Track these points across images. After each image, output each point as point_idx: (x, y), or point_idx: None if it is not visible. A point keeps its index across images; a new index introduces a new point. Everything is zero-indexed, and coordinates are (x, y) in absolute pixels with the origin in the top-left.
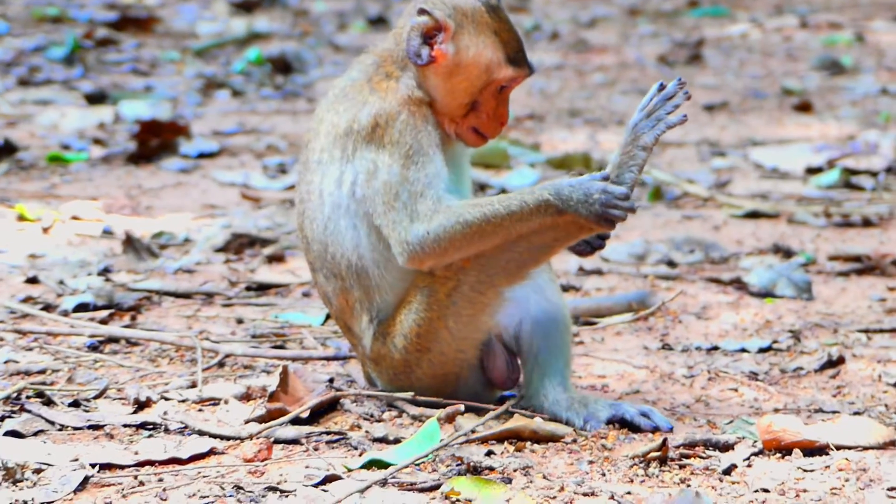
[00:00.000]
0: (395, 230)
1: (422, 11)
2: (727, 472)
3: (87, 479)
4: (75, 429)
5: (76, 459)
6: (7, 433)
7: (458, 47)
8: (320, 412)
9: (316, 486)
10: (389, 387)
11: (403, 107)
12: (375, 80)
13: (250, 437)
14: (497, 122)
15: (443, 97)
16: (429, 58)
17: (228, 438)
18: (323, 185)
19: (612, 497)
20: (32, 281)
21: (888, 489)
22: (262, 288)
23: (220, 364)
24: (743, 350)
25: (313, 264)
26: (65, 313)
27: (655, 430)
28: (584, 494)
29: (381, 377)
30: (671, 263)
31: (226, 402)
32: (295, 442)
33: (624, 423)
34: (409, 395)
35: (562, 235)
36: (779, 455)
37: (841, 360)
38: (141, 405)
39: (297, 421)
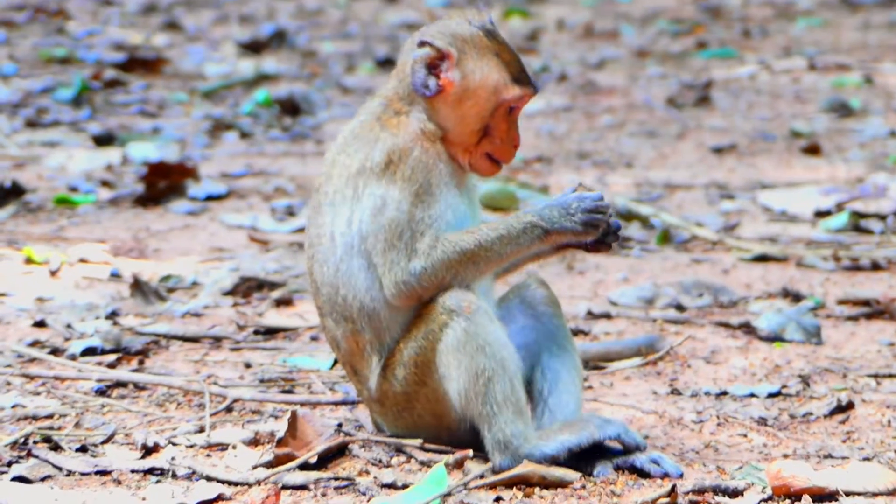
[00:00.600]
0: (392, 270)
1: (423, 44)
2: None
3: None
4: (83, 474)
5: None
6: (14, 478)
7: (464, 73)
8: (328, 458)
9: None
10: (395, 429)
11: (416, 142)
12: (385, 118)
13: (258, 482)
14: (510, 144)
15: (455, 126)
16: (437, 88)
17: (236, 484)
18: (334, 227)
19: None
20: (40, 325)
21: None
22: (271, 332)
23: (229, 409)
24: (752, 395)
25: (322, 309)
26: (72, 357)
27: (665, 475)
28: None
29: (387, 419)
30: (680, 307)
31: (234, 447)
32: (303, 488)
33: (633, 470)
34: (417, 441)
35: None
36: (788, 501)
37: (850, 406)
38: (149, 450)
39: (305, 466)
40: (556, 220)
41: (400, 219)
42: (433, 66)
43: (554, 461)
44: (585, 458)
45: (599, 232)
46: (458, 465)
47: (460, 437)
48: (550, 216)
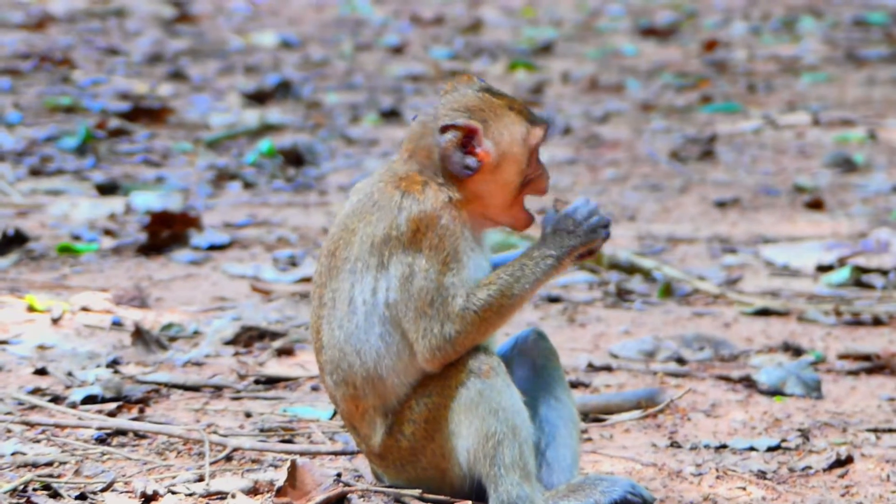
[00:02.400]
0: (426, 337)
1: (446, 128)
2: None
3: None
4: None
5: None
6: None
7: (495, 140)
8: None
9: None
10: (396, 481)
11: (444, 210)
12: (405, 185)
13: None
14: (545, 178)
15: (497, 190)
16: (478, 164)
17: None
18: (355, 293)
19: None
20: (41, 372)
21: None
22: (271, 381)
23: (228, 458)
24: (752, 448)
25: (324, 367)
26: (73, 405)
27: None
28: None
29: (388, 472)
30: (681, 360)
31: (233, 496)
32: None
33: None
34: (416, 491)
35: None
36: None
37: (850, 460)
38: (148, 499)
39: None
40: (564, 244)
41: (429, 287)
42: (464, 146)
43: None
44: None
45: (604, 233)
46: None
47: (463, 493)
48: (557, 243)
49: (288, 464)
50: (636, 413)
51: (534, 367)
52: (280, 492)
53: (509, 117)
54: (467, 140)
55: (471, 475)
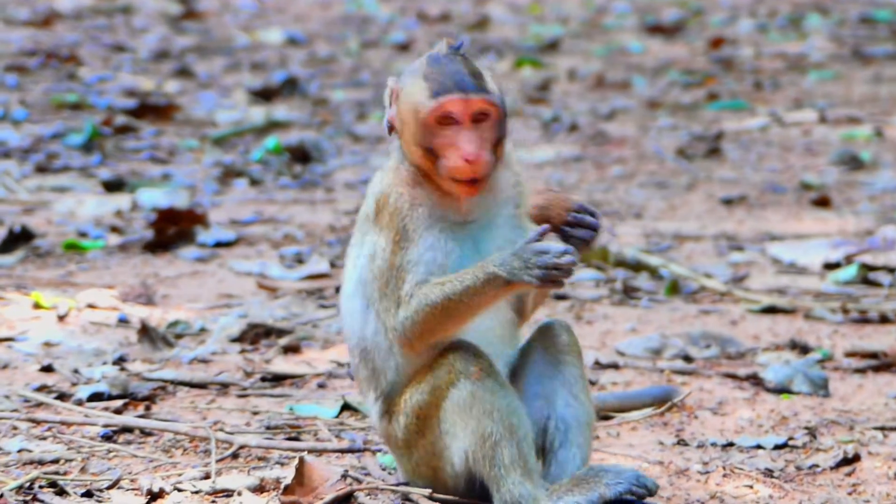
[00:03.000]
0: (386, 317)
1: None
2: None
3: None
4: None
5: None
6: None
7: (399, 104)
8: None
9: None
10: (402, 470)
11: (393, 187)
12: (389, 164)
13: None
14: (456, 156)
15: (409, 156)
16: (388, 124)
17: None
18: (348, 266)
19: None
20: (47, 369)
21: None
22: (278, 379)
23: (234, 455)
24: (758, 446)
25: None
26: (79, 402)
27: None
28: None
29: (392, 455)
30: (687, 358)
31: (239, 493)
32: None
33: None
34: (426, 491)
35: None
36: None
37: (857, 458)
38: (154, 496)
39: None
40: (517, 273)
41: (384, 267)
42: (391, 105)
43: None
44: None
45: (559, 286)
46: None
47: (456, 493)
48: (511, 267)
49: (295, 461)
50: (646, 411)
51: (554, 362)
52: (288, 489)
53: (416, 85)
54: (392, 100)
55: (466, 476)
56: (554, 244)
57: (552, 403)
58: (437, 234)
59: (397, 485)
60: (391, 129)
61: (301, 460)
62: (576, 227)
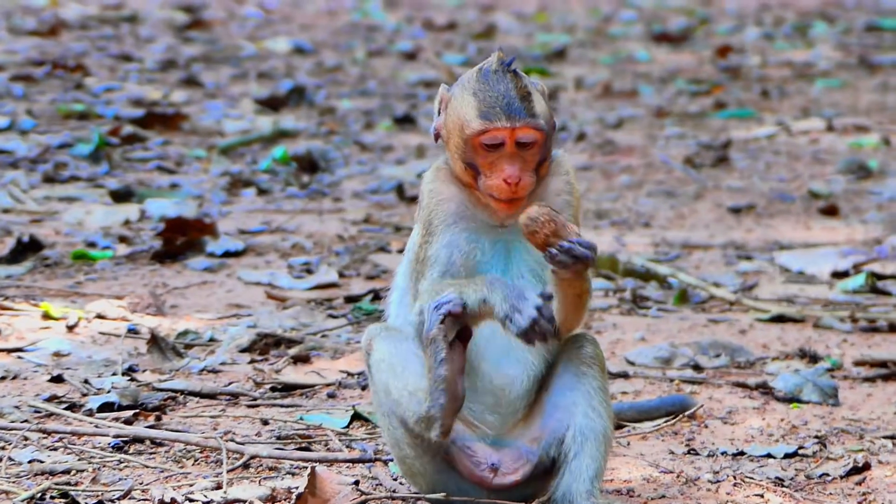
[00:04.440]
0: (409, 305)
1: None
2: None
3: None
4: None
5: None
6: None
7: (447, 115)
8: None
9: None
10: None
11: (431, 182)
12: (437, 161)
13: None
14: (498, 180)
15: (452, 164)
16: (434, 130)
17: None
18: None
19: None
20: (57, 380)
21: None
22: (288, 389)
23: (245, 465)
24: (769, 455)
25: None
26: (89, 413)
27: None
28: None
29: None
30: (697, 367)
31: (250, 503)
32: None
33: None
34: (441, 495)
35: None
36: None
37: (867, 467)
38: None
39: None
40: (505, 309)
41: (412, 259)
42: (440, 112)
43: None
44: None
45: (516, 333)
46: None
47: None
48: (503, 300)
49: (307, 472)
50: (657, 421)
51: (577, 374)
52: (300, 499)
53: (465, 100)
54: (441, 108)
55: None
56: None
57: (572, 415)
58: (459, 233)
59: (408, 495)
60: (437, 136)
61: (313, 471)
62: (562, 254)
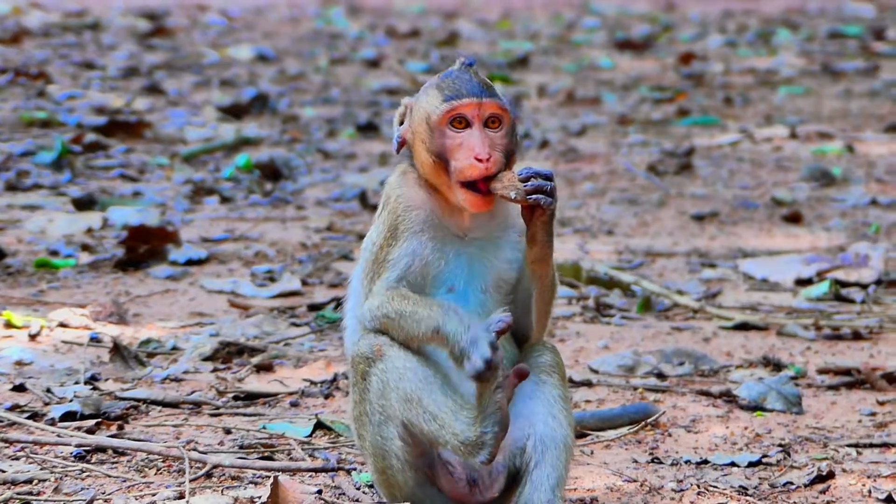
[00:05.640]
0: (358, 302)
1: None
2: None
3: None
4: None
5: None
6: None
7: (412, 117)
8: None
9: None
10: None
11: (398, 187)
12: (400, 166)
13: None
14: (469, 157)
15: (421, 168)
16: (398, 139)
17: None
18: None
19: None
20: (19, 389)
21: None
22: (251, 397)
23: (208, 475)
24: (733, 464)
25: None
26: (52, 422)
27: None
28: None
29: None
30: (661, 376)
31: None
32: None
33: None
34: None
35: None
36: None
37: (831, 475)
38: None
39: None
40: (451, 336)
41: (370, 259)
42: (402, 123)
43: None
44: None
45: (470, 374)
46: None
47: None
48: (456, 333)
49: (269, 481)
50: (621, 429)
51: (538, 382)
52: None
53: (428, 95)
54: (403, 119)
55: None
56: (495, 352)
57: (532, 424)
58: (424, 242)
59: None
60: (401, 145)
61: (275, 480)
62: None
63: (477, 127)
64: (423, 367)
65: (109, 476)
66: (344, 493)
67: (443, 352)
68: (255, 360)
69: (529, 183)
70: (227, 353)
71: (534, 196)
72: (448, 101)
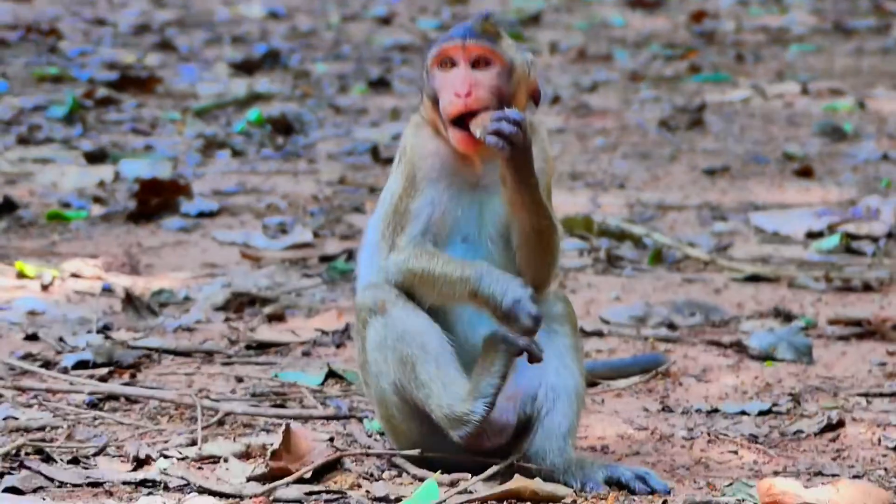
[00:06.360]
0: (380, 254)
1: None
2: None
3: None
4: (74, 486)
5: None
6: (6, 489)
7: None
8: (320, 471)
9: None
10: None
11: (413, 136)
12: (414, 118)
13: (253, 496)
14: (450, 93)
15: (425, 115)
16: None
17: (229, 496)
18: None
19: None
20: (32, 338)
21: None
22: (262, 347)
23: (220, 422)
24: (743, 413)
25: None
26: (64, 370)
27: (652, 492)
28: None
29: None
30: (672, 326)
31: (225, 459)
32: (296, 501)
33: (621, 486)
34: (414, 452)
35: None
36: None
37: (841, 424)
38: (140, 462)
39: (297, 480)
40: (489, 293)
41: (389, 210)
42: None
43: None
44: (575, 470)
45: (516, 329)
46: (452, 480)
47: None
48: (489, 285)
49: (283, 428)
50: (632, 379)
51: (549, 331)
52: (275, 455)
53: (438, 44)
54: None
55: (414, 412)
56: (532, 304)
57: (544, 372)
58: (442, 190)
59: (383, 451)
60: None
61: (287, 427)
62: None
63: (462, 67)
64: (422, 333)
65: (122, 423)
66: (356, 441)
67: (481, 311)
68: (267, 309)
69: (492, 125)
70: (238, 304)
71: (491, 137)
72: (437, 45)
